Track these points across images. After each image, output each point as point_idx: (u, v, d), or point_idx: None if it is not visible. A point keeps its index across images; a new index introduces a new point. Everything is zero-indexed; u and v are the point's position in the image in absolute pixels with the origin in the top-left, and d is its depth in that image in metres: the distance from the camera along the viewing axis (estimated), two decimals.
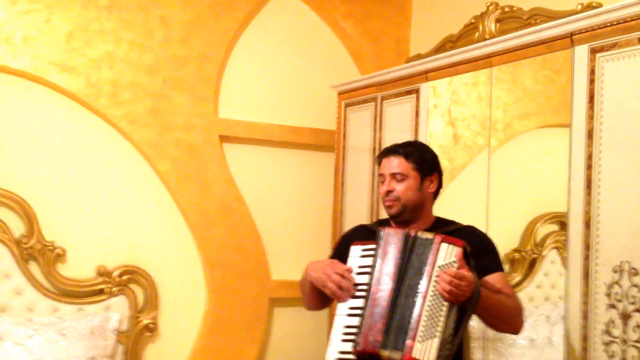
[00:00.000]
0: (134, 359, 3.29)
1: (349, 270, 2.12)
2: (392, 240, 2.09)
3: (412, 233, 2.07)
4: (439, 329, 1.93)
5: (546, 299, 3.37)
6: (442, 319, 1.93)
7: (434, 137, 3.24)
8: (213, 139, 3.58)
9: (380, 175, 2.31)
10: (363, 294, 2.08)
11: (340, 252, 2.32)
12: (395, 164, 2.25)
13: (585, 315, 2.31)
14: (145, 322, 3.32)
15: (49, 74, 3.23)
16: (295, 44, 3.88)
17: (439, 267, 1.98)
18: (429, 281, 1.97)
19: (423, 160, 2.27)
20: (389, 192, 2.24)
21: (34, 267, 3.16)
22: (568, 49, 2.46)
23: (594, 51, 2.35)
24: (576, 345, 2.35)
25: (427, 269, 1.98)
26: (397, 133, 3.34)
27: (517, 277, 3.27)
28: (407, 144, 2.33)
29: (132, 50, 3.41)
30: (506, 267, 3.17)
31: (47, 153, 3.25)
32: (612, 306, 2.23)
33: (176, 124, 3.50)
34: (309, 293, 2.28)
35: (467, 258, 2.02)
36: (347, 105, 3.68)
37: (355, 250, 2.17)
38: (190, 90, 3.54)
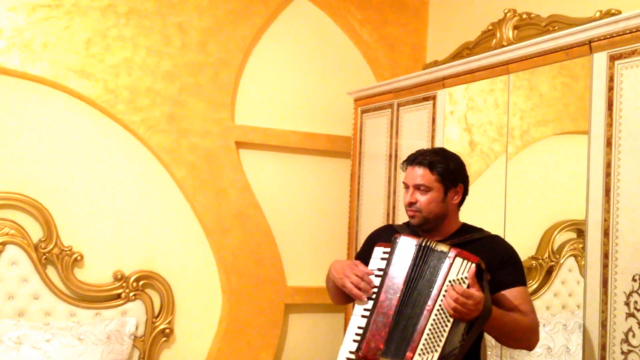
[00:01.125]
0: None
1: (369, 273, 2.10)
2: (405, 248, 2.07)
3: (426, 243, 2.05)
4: (440, 344, 1.91)
5: (563, 307, 3.34)
6: (444, 334, 1.92)
7: (450, 144, 3.23)
8: (229, 145, 3.60)
9: (404, 183, 2.27)
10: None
11: (365, 251, 2.32)
12: (419, 174, 2.19)
13: (603, 324, 2.29)
14: (161, 327, 3.34)
15: (67, 80, 3.26)
16: (312, 50, 3.89)
17: (450, 281, 1.96)
18: (438, 295, 1.95)
19: (448, 172, 2.20)
20: (411, 203, 2.20)
21: (51, 272, 3.19)
22: (586, 56, 2.45)
23: (612, 58, 2.34)
24: (594, 354, 2.33)
25: (438, 282, 1.96)
26: (413, 139, 3.33)
27: (533, 285, 3.25)
28: (434, 153, 2.25)
29: (149, 57, 3.43)
30: None
31: (66, 159, 3.28)
32: (631, 315, 2.21)
33: (193, 130, 3.51)
34: (333, 289, 2.29)
35: (481, 274, 1.99)
36: (363, 112, 3.68)
37: (378, 252, 2.16)
38: (207, 96, 3.55)
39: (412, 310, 1.97)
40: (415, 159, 2.23)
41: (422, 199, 2.18)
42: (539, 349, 3.04)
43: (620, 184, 2.28)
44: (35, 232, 3.17)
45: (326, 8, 3.92)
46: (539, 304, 3.23)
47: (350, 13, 3.94)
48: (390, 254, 2.09)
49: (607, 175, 2.33)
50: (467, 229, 2.27)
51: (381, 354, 1.96)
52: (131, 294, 3.29)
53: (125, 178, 3.39)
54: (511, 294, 2.10)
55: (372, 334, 1.99)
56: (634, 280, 2.20)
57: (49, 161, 3.24)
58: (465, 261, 1.97)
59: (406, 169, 2.26)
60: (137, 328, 3.24)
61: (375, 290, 2.07)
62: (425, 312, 1.94)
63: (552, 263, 3.37)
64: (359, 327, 2.06)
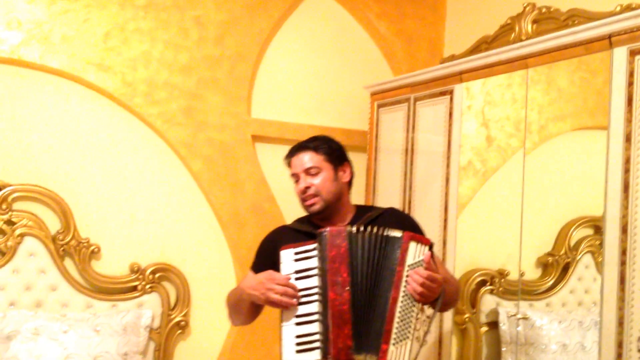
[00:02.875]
0: (166, 355, 3.32)
1: (288, 278, 2.03)
2: (338, 240, 1.99)
3: (359, 231, 2.00)
4: (411, 330, 1.90)
5: (579, 304, 3.32)
6: (413, 320, 1.91)
7: (467, 139, 3.22)
8: (246, 139, 3.60)
9: (293, 175, 2.26)
10: (313, 298, 1.99)
11: (265, 258, 2.24)
12: (306, 159, 2.21)
13: (620, 322, 2.27)
14: (177, 319, 3.36)
15: (86, 73, 3.28)
16: (329, 44, 3.88)
17: (409, 266, 1.94)
18: (400, 281, 1.92)
19: (332, 150, 2.25)
20: (306, 188, 2.19)
21: (69, 264, 3.21)
22: (606, 50, 2.42)
23: (633, 53, 2.31)
24: (610, 351, 2.31)
25: (398, 268, 1.93)
26: (430, 134, 3.32)
27: (549, 281, 3.23)
28: (312, 139, 2.30)
29: (167, 50, 3.44)
30: (539, 271, 3.16)
31: (83, 151, 3.30)
32: None
33: (209, 124, 3.52)
34: (246, 312, 2.23)
35: (433, 255, 2.00)
36: (379, 106, 3.67)
37: (287, 255, 2.07)
38: (223, 90, 3.56)
39: (373, 301, 1.93)
40: (297, 148, 2.27)
41: (316, 181, 2.18)
42: (554, 345, 3.03)
43: None
44: (53, 224, 3.20)
45: (343, 1, 3.91)
46: (554, 300, 3.22)
47: (368, 6, 3.93)
48: (321, 250, 2.00)
49: (626, 171, 2.30)
50: (362, 209, 2.28)
51: (353, 350, 1.91)
52: (147, 286, 3.31)
53: (142, 171, 3.41)
54: None
55: (336, 334, 1.91)
56: None
57: (66, 154, 3.27)
58: (419, 244, 1.97)
59: (290, 162, 2.27)
60: (153, 320, 3.26)
61: (308, 292, 1.99)
62: (390, 300, 1.91)
63: (569, 259, 3.34)
64: (300, 336, 1.98)
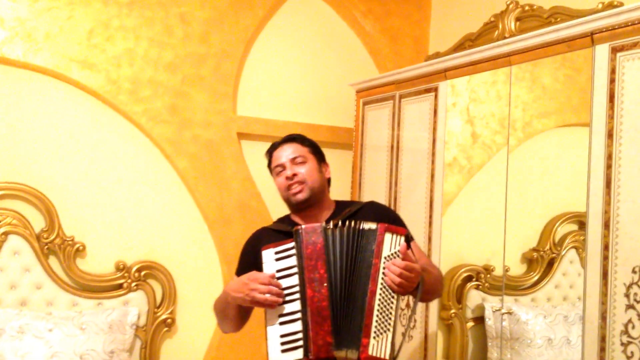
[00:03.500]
0: (152, 353, 3.32)
1: (272, 276, 2.01)
2: (313, 237, 1.98)
3: (333, 226, 1.99)
4: (391, 322, 1.88)
5: (564, 299, 3.35)
6: (392, 312, 1.89)
7: (452, 136, 3.24)
8: (231, 136, 3.60)
9: (277, 166, 2.25)
10: (295, 297, 1.97)
11: (248, 262, 2.24)
12: (292, 149, 2.24)
13: (603, 316, 2.29)
14: (163, 317, 3.35)
15: (70, 70, 3.26)
16: (314, 41, 3.88)
17: (385, 257, 1.91)
18: (377, 273, 1.90)
19: (315, 146, 2.31)
20: (293, 175, 2.19)
21: (53, 262, 3.20)
22: (588, 47, 2.44)
23: (614, 50, 2.33)
24: (594, 345, 2.33)
25: (374, 260, 1.91)
26: (415, 131, 3.33)
27: (534, 277, 3.26)
28: (295, 135, 2.34)
29: (151, 48, 3.43)
30: (524, 266, 3.18)
31: (68, 149, 3.28)
32: (631, 307, 2.21)
33: (195, 121, 3.52)
34: (234, 317, 2.21)
35: (409, 243, 1.97)
36: (365, 103, 3.68)
37: (268, 255, 2.06)
38: (209, 87, 3.55)
39: (352, 296, 1.91)
40: (281, 141, 2.30)
41: (302, 169, 2.19)
42: (539, 339, 3.05)
43: (621, 176, 2.28)
44: (37, 222, 3.18)
45: None
46: (539, 295, 3.25)
47: (353, 4, 3.93)
48: (297, 247, 1.99)
49: (608, 167, 2.33)
50: (342, 204, 2.30)
51: (334, 347, 1.89)
52: (133, 284, 3.30)
53: (128, 169, 3.40)
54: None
55: (315, 331, 1.90)
56: (634, 272, 2.21)
57: (51, 151, 3.25)
58: (394, 235, 1.95)
59: (273, 154, 2.29)
60: (139, 318, 3.26)
61: (290, 291, 1.98)
62: (368, 294, 1.89)
63: (554, 255, 3.37)
64: (284, 335, 1.96)
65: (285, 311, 1.99)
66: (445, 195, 3.18)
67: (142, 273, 3.33)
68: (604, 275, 2.30)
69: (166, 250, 3.44)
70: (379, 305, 1.88)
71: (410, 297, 2.14)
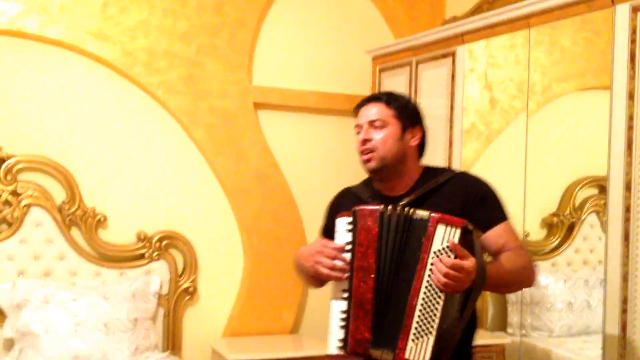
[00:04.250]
0: (175, 321, 3.37)
1: (340, 249, 1.86)
2: (369, 221, 1.82)
3: (390, 212, 1.80)
4: (434, 324, 1.70)
5: (585, 263, 3.34)
6: (437, 313, 1.70)
7: (470, 102, 3.21)
8: (247, 106, 3.59)
9: (357, 126, 2.00)
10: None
11: (327, 224, 2.11)
12: (374, 111, 1.97)
13: (625, 278, 2.28)
14: (184, 285, 3.39)
15: (85, 43, 3.26)
16: (329, 8, 3.84)
17: (435, 252, 1.72)
18: (424, 270, 1.72)
19: (406, 109, 2.00)
20: (365, 141, 1.95)
21: (76, 233, 3.24)
22: (608, 8, 2.39)
23: (635, 10, 2.29)
24: (615, 308, 2.33)
25: (422, 255, 1.73)
26: (432, 98, 3.31)
27: (554, 242, 3.25)
28: (388, 92, 2.06)
29: (166, 18, 3.42)
30: (544, 231, 3.17)
31: (86, 121, 3.30)
32: None
33: (211, 92, 3.51)
34: (308, 280, 2.07)
35: (469, 237, 1.75)
36: (381, 70, 3.65)
37: (341, 224, 1.89)
38: (224, 57, 3.54)
39: (396, 292, 1.75)
40: (369, 98, 2.03)
41: (377, 135, 1.94)
42: (559, 303, 3.06)
43: None
44: (58, 194, 3.21)
45: None
46: (560, 260, 3.24)
47: None
48: (354, 230, 1.84)
49: (630, 128, 2.30)
50: (430, 173, 2.02)
51: (371, 345, 1.77)
52: (154, 254, 3.34)
53: (146, 140, 3.42)
54: (495, 233, 1.89)
55: (355, 325, 1.78)
56: None
57: (69, 124, 3.27)
58: (449, 227, 1.72)
59: (358, 111, 2.02)
60: (161, 287, 3.30)
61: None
62: (411, 292, 1.72)
63: (574, 219, 3.35)
64: (342, 312, 1.84)
65: (345, 287, 1.85)
66: (464, 161, 3.17)
67: (163, 243, 3.36)
68: (626, 237, 2.29)
69: (186, 220, 3.46)
70: (422, 305, 1.71)
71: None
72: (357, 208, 1.86)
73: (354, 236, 1.83)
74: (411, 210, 1.79)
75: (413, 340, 1.70)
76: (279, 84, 3.70)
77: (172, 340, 3.35)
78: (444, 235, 1.72)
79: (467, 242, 1.73)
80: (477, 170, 3.25)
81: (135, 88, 3.39)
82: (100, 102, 3.33)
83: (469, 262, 1.69)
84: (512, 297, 3.13)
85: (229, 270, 3.55)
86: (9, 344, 3.02)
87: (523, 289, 2.19)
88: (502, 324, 3.22)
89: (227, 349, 3.26)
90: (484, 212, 1.89)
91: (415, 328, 1.71)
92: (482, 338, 2.95)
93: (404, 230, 1.78)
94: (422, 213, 1.77)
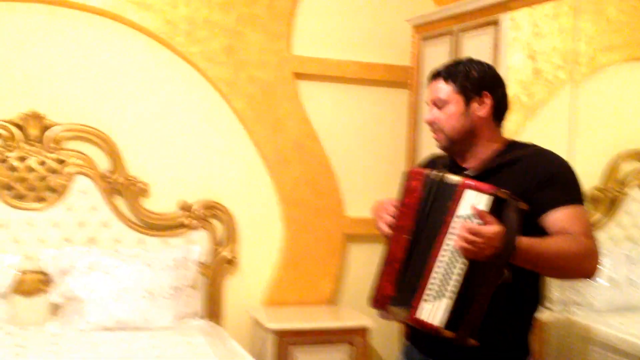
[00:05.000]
0: (215, 289, 3.42)
1: (401, 208, 1.87)
2: (413, 183, 1.84)
3: (434, 176, 1.81)
4: (451, 288, 1.69)
5: (627, 238, 3.29)
6: (454, 277, 1.69)
7: (513, 72, 3.14)
8: (287, 76, 3.59)
9: (427, 104, 2.00)
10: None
11: None
12: (434, 88, 1.94)
13: None
14: (224, 254, 3.44)
15: (127, 12, 3.27)
16: None
17: (459, 217, 1.71)
18: (445, 233, 1.72)
19: (467, 80, 1.90)
20: (430, 122, 1.95)
21: (119, 201, 3.30)
22: None
23: None
24: None
25: (446, 219, 1.73)
26: None
27: (597, 216, 3.21)
28: (454, 63, 1.99)
29: None
30: (586, 205, 3.12)
31: (129, 91, 3.34)
32: None
33: (250, 61, 3.51)
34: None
35: (500, 206, 1.69)
36: (422, 39, 3.59)
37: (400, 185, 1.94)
38: (263, 26, 3.53)
39: (421, 253, 1.77)
40: (431, 75, 1.98)
41: (440, 115, 1.92)
42: (601, 279, 3.02)
43: None
44: (102, 162, 3.27)
45: None
46: (602, 235, 3.20)
47: None
48: (401, 192, 1.86)
49: None
50: (512, 148, 1.93)
51: (392, 302, 1.81)
52: (195, 222, 3.38)
53: (187, 109, 3.44)
54: (556, 216, 1.77)
55: (383, 281, 1.84)
56: None
57: (112, 93, 3.31)
58: (477, 193, 1.70)
59: (428, 87, 1.99)
60: (202, 255, 3.36)
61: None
62: (431, 253, 1.73)
63: (617, 193, 3.30)
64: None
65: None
66: (506, 133, 3.12)
67: (204, 212, 3.40)
68: None
69: (226, 190, 3.49)
70: (439, 267, 1.72)
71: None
72: (408, 170, 1.90)
73: (401, 196, 1.86)
74: (445, 174, 1.80)
75: (427, 300, 1.72)
76: (318, 53, 3.68)
77: (212, 308, 3.40)
78: (472, 201, 1.70)
79: (498, 211, 1.68)
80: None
81: (177, 57, 3.41)
82: (142, 72, 3.36)
83: (490, 229, 1.64)
84: None
85: (268, 239, 3.59)
86: (55, 309, 3.10)
87: (580, 278, 1.98)
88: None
89: (267, 318, 3.31)
90: (548, 193, 1.79)
91: (430, 289, 1.72)
92: None
93: (438, 194, 1.78)
94: (453, 178, 1.77)
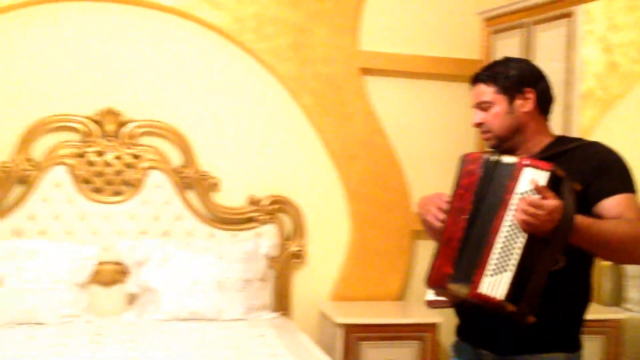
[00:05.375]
0: (284, 282, 3.46)
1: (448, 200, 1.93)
2: (470, 167, 1.89)
3: (493, 157, 1.85)
4: (512, 262, 1.72)
5: None
6: (515, 251, 1.72)
7: (588, 65, 3.07)
8: (354, 72, 3.59)
9: (472, 108, 2.07)
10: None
11: None
12: (477, 92, 2.01)
13: None
14: (293, 249, 3.47)
15: (197, 9, 3.34)
16: None
17: (519, 194, 1.74)
18: (505, 209, 1.76)
19: (507, 79, 1.96)
20: (478, 124, 2.00)
21: (191, 195, 3.37)
22: None
23: None
24: None
25: (506, 195, 1.77)
26: (547, 61, 3.18)
27: None
28: (492, 64, 2.05)
29: None
30: None
31: (199, 87, 3.41)
32: None
33: (317, 57, 3.52)
34: (428, 231, 2.11)
35: (559, 183, 1.73)
36: (493, 33, 3.53)
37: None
38: (330, 22, 3.54)
39: (481, 231, 1.80)
40: (472, 80, 2.04)
41: (486, 116, 1.98)
42: None
43: None
44: (175, 158, 3.35)
45: None
46: None
47: None
48: (458, 175, 1.91)
49: None
50: (561, 142, 1.99)
51: (450, 280, 1.83)
52: (264, 217, 3.43)
53: (255, 105, 3.49)
54: (611, 202, 1.82)
55: (441, 261, 1.87)
56: None
57: (184, 90, 3.39)
58: (537, 170, 1.74)
59: (471, 91, 2.06)
60: (270, 249, 3.40)
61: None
62: (491, 230, 1.77)
63: None
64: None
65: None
66: (581, 129, 3.04)
67: (273, 207, 3.45)
68: None
69: (294, 185, 3.52)
70: (500, 242, 1.76)
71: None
72: (465, 154, 1.94)
73: (457, 180, 1.90)
74: (500, 155, 1.85)
75: (489, 275, 1.74)
76: (385, 48, 3.66)
77: (281, 301, 3.45)
78: (530, 178, 1.74)
79: (556, 187, 1.73)
80: (595, 138, 3.12)
81: (245, 54, 3.46)
82: (212, 68, 3.42)
83: (551, 202, 1.68)
84: (629, 271, 3.02)
85: (335, 234, 3.60)
86: (131, 299, 3.20)
87: (635, 263, 2.01)
88: (618, 299, 3.12)
89: (335, 312, 3.32)
90: (603, 181, 1.84)
91: (491, 264, 1.75)
92: (597, 312, 2.86)
93: (496, 175, 1.83)
94: (511, 158, 1.83)
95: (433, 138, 3.76)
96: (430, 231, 2.04)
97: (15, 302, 2.94)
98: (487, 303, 1.75)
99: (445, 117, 3.77)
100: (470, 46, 3.72)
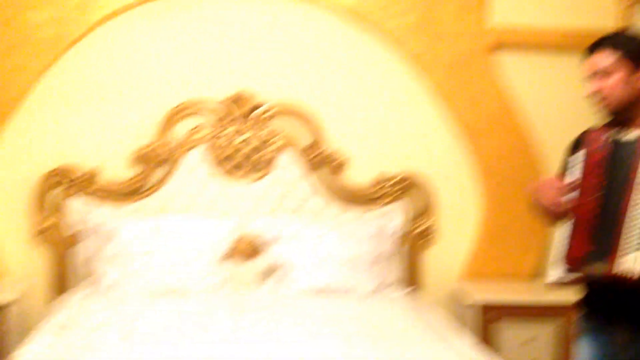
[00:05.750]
0: (413, 260, 3.46)
1: (565, 184, 1.97)
2: (594, 146, 1.92)
3: (615, 135, 1.90)
4: None
5: None
6: None
7: None
8: (483, 47, 3.49)
9: (587, 77, 2.03)
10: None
11: (565, 163, 2.17)
12: (598, 59, 1.98)
13: None
14: (423, 226, 3.46)
15: None
16: None
17: None
18: (632, 188, 1.81)
19: (632, 47, 1.96)
20: (595, 92, 1.99)
21: (321, 174, 3.44)
22: None
23: None
24: None
25: (630, 175, 1.82)
26: None
27: None
28: (615, 33, 2.07)
29: None
30: None
31: (328, 68, 3.46)
32: None
33: (446, 34, 3.47)
34: (543, 215, 2.14)
35: None
36: (634, 3, 3.33)
37: (572, 159, 2.02)
38: None
39: (610, 210, 1.84)
40: (592, 46, 2.02)
41: (604, 84, 1.96)
42: None
43: None
44: (304, 137, 3.43)
45: None
46: None
47: None
48: (583, 155, 1.95)
49: None
50: None
51: (588, 259, 1.87)
52: (393, 195, 3.44)
53: (383, 83, 3.49)
54: None
55: (575, 243, 1.90)
56: None
57: (313, 70, 3.46)
58: None
59: (587, 60, 2.03)
60: (400, 227, 3.41)
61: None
62: (620, 210, 1.81)
63: None
64: (565, 234, 1.96)
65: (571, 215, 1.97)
66: None
67: (402, 185, 3.45)
68: None
69: (424, 163, 3.50)
70: (634, 221, 1.80)
71: None
72: (583, 133, 1.99)
73: (584, 160, 1.92)
74: (622, 133, 1.90)
75: (626, 253, 1.78)
76: (516, 21, 3.54)
77: (412, 278, 3.45)
78: None
79: None
80: None
81: (372, 33, 3.47)
82: (339, 48, 3.47)
83: None
84: None
85: (466, 212, 3.54)
86: (267, 274, 3.30)
87: None
88: None
89: (467, 291, 3.28)
90: None
91: (628, 242, 1.79)
92: None
93: (618, 153, 1.87)
94: (630, 135, 1.88)
95: (566, 114, 3.59)
96: (549, 215, 2.06)
97: (160, 274, 3.12)
98: (626, 279, 1.79)
99: (578, 93, 3.58)
100: (606, 17, 3.53)
